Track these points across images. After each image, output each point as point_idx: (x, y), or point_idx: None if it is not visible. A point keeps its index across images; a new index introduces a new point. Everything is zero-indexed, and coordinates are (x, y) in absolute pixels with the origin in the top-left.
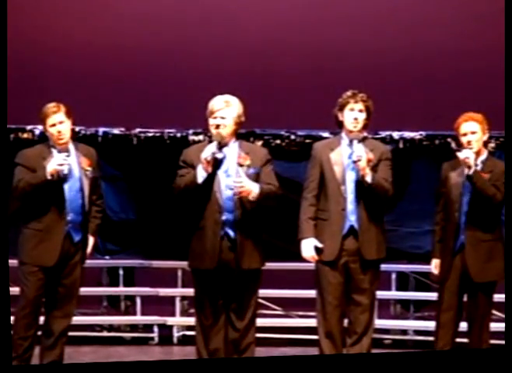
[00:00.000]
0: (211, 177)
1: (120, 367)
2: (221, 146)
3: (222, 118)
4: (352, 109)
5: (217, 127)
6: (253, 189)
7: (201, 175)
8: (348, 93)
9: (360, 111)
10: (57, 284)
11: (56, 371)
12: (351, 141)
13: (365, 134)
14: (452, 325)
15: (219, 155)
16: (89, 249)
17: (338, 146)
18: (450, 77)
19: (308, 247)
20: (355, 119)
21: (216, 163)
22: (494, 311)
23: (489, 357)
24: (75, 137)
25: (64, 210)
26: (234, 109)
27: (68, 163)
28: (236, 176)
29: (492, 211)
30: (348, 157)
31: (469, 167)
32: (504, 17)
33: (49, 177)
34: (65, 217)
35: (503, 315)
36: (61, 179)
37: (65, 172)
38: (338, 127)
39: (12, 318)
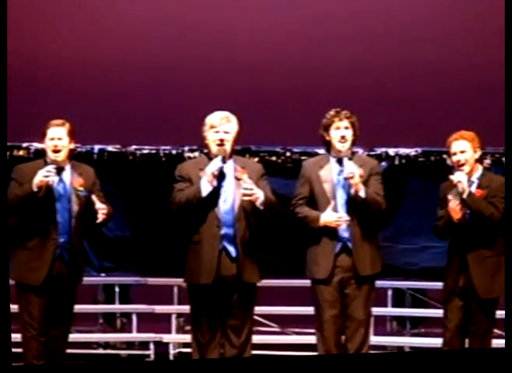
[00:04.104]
0: (215, 191)
1: (119, 367)
2: (224, 161)
3: (226, 133)
4: (337, 128)
5: (221, 141)
6: (260, 196)
7: (205, 189)
8: (332, 113)
9: (346, 128)
10: (53, 303)
11: (56, 371)
12: (339, 159)
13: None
14: (457, 343)
15: (224, 170)
16: (102, 211)
17: (327, 163)
18: (446, 93)
19: (328, 216)
20: (343, 137)
21: (221, 177)
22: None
23: (489, 357)
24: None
25: (54, 231)
26: (234, 126)
27: (53, 175)
28: (240, 188)
29: (491, 228)
30: (338, 174)
31: (463, 190)
32: (504, 29)
33: (35, 189)
34: (56, 238)
35: (503, 332)
36: (50, 195)
37: (51, 183)
38: (325, 147)
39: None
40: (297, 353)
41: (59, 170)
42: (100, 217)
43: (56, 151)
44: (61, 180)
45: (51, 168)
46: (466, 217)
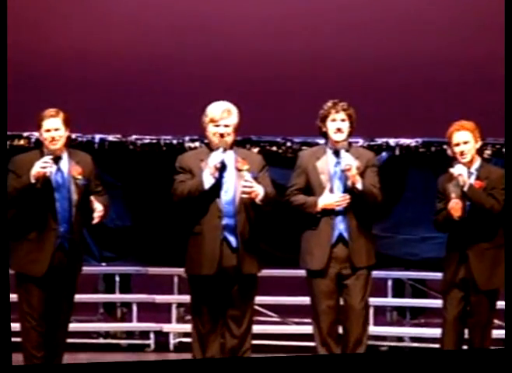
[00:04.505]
0: (216, 182)
1: (118, 367)
2: (224, 151)
3: (226, 126)
4: (334, 120)
5: (221, 135)
6: (260, 192)
7: (208, 181)
8: (329, 104)
9: (343, 120)
10: (53, 293)
11: (55, 371)
12: (336, 150)
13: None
14: (456, 334)
15: (226, 162)
16: (98, 213)
17: (323, 155)
18: (447, 83)
19: (326, 198)
20: (339, 129)
21: (222, 168)
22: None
23: (489, 357)
24: (71, 143)
25: (55, 221)
26: (235, 118)
27: (51, 165)
28: (241, 178)
29: (492, 220)
30: (335, 165)
31: (464, 183)
32: (504, 20)
33: (33, 181)
34: (57, 228)
35: (503, 323)
36: (48, 185)
37: (48, 174)
38: (323, 137)
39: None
40: (297, 343)
41: (56, 159)
42: (96, 218)
43: (53, 142)
44: (59, 169)
45: (48, 158)
46: (466, 209)
